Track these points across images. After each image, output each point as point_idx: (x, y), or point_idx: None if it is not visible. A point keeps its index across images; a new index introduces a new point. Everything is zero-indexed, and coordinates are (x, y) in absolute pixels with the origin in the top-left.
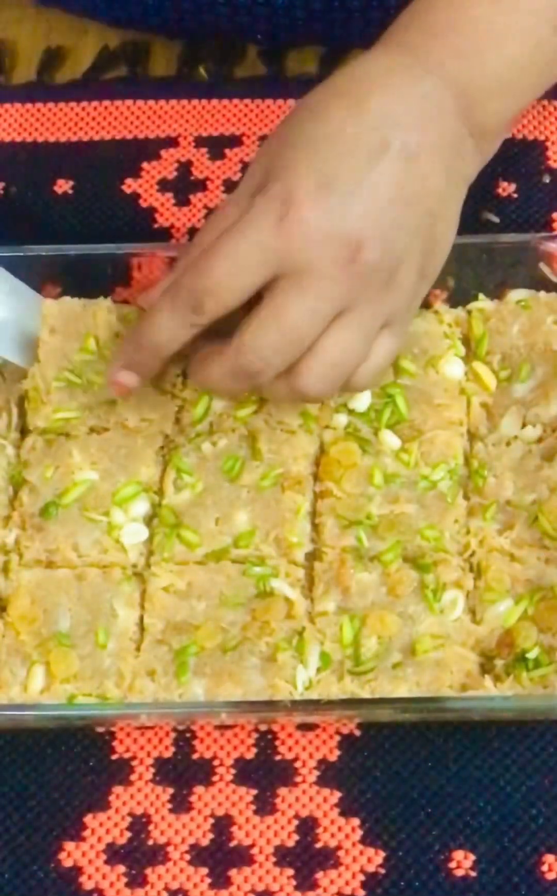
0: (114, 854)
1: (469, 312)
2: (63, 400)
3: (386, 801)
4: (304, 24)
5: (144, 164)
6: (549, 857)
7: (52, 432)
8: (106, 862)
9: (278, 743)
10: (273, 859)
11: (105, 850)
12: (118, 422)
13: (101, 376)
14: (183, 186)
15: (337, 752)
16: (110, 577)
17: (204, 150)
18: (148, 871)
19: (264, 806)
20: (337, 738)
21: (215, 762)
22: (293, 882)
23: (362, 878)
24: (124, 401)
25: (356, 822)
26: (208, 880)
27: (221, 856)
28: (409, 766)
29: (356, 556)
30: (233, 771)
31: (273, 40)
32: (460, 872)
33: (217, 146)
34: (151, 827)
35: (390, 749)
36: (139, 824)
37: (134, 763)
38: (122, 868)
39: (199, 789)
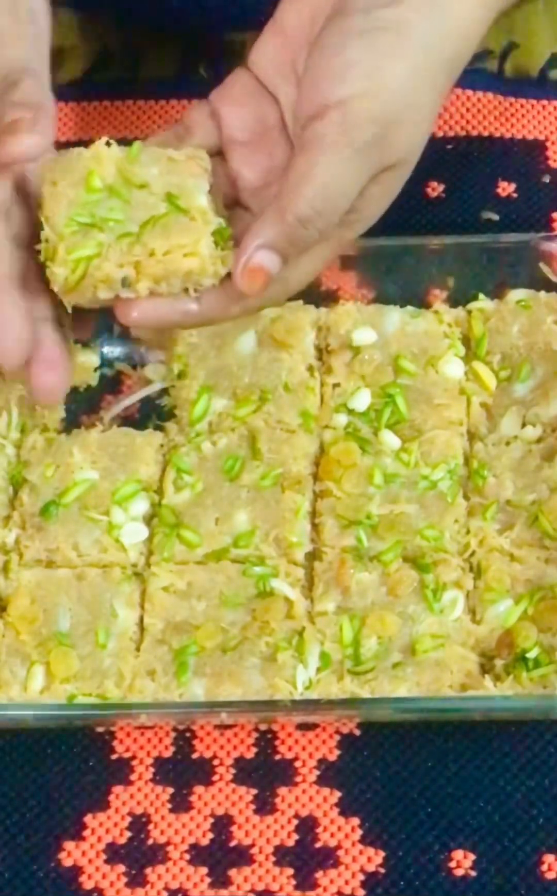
0: (114, 854)
1: (469, 312)
2: (77, 243)
3: (386, 800)
4: None
5: None
6: (549, 857)
7: (73, 283)
8: (106, 862)
9: (278, 742)
10: (273, 859)
11: (105, 849)
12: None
13: (114, 212)
14: None
15: (337, 752)
16: (110, 577)
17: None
18: (148, 870)
19: (264, 805)
20: (337, 737)
21: (215, 762)
22: (293, 882)
23: (361, 877)
24: None
25: (355, 821)
26: (208, 880)
27: (220, 855)
28: (409, 766)
29: (356, 556)
30: (233, 770)
31: None
32: (460, 872)
33: None
34: (150, 827)
35: (390, 749)
36: (139, 824)
37: (134, 763)
38: (122, 868)
39: (199, 789)
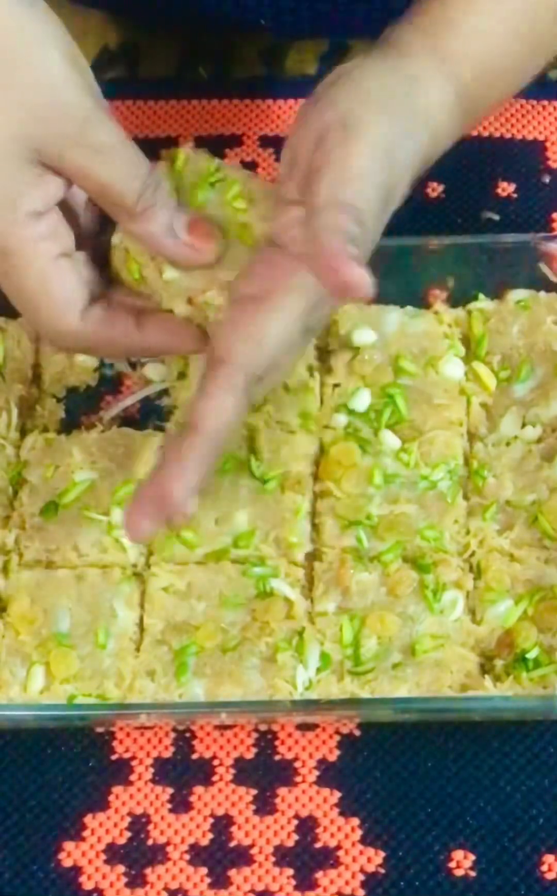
0: (114, 854)
1: (469, 312)
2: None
3: (386, 801)
4: (309, 7)
5: None
6: (549, 857)
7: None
8: (106, 862)
9: (277, 743)
10: (273, 859)
11: (105, 850)
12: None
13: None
14: None
15: (337, 752)
16: (110, 578)
17: (204, 150)
18: (148, 870)
19: (264, 806)
20: (337, 738)
21: (215, 762)
22: (293, 882)
23: (362, 877)
24: None
25: (355, 821)
26: (208, 880)
27: (220, 856)
28: (409, 766)
29: (355, 557)
30: (233, 771)
31: (278, 26)
32: (460, 872)
33: (217, 146)
34: (150, 827)
35: (390, 749)
36: (139, 824)
37: (134, 763)
38: (121, 868)
39: (198, 789)
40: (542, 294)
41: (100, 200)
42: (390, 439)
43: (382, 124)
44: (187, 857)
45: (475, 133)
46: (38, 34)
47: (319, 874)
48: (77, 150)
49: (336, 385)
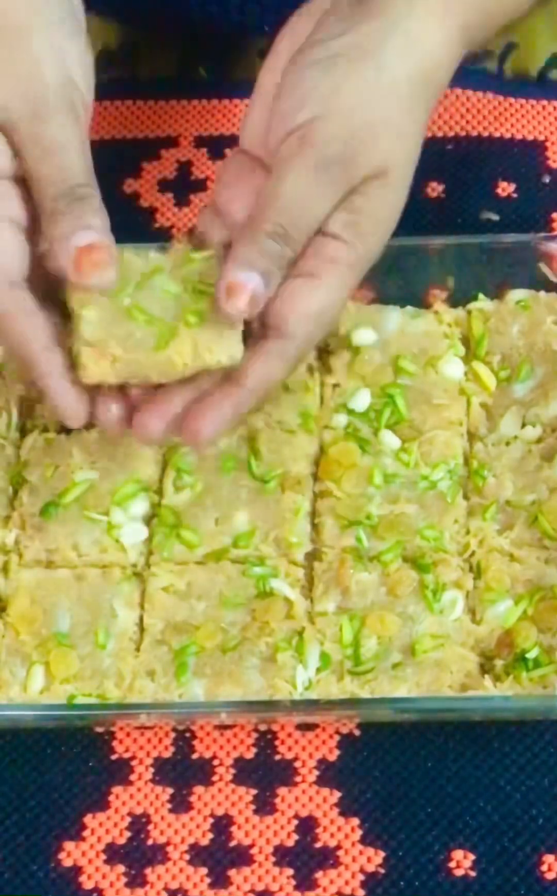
0: (114, 854)
1: (469, 312)
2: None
3: (386, 801)
4: None
5: (144, 164)
6: (549, 857)
7: None
8: (106, 862)
9: (277, 743)
10: (273, 859)
11: (105, 849)
12: None
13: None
14: (183, 186)
15: (337, 752)
16: (110, 577)
17: (204, 150)
18: (148, 870)
19: (264, 806)
20: (337, 737)
21: (215, 762)
22: (293, 882)
23: (361, 877)
24: None
25: (355, 821)
26: (208, 880)
27: (220, 856)
28: (409, 766)
29: (355, 556)
30: (233, 771)
31: (279, 27)
32: (459, 872)
33: (217, 146)
34: (150, 827)
35: (390, 749)
36: (139, 824)
37: (134, 763)
38: (121, 868)
39: (198, 789)
40: (542, 294)
41: (30, 189)
42: (390, 439)
43: (349, 116)
44: (187, 857)
45: (475, 133)
46: (47, 16)
47: (319, 874)
48: (24, 135)
49: (336, 385)
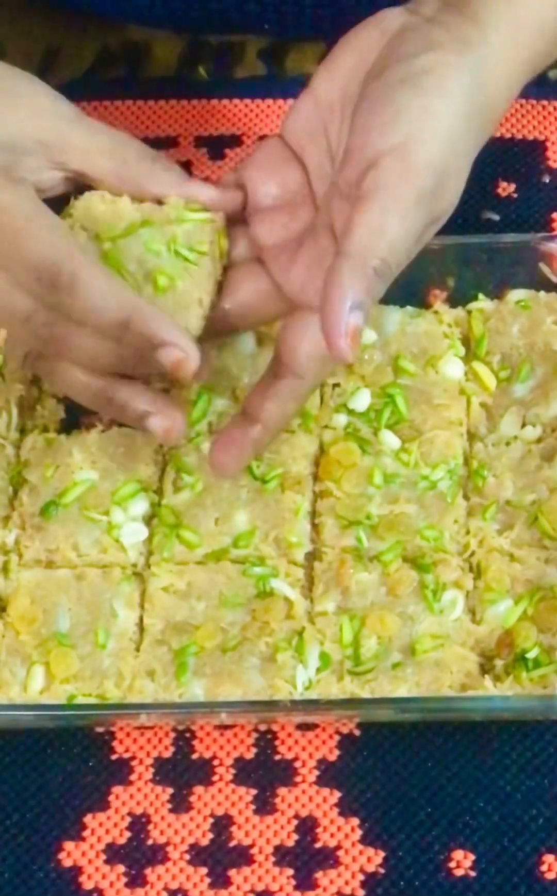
0: (114, 854)
1: (469, 312)
2: None
3: (386, 801)
4: (312, 11)
5: None
6: (549, 857)
7: None
8: (106, 862)
9: (277, 743)
10: (273, 859)
11: (105, 849)
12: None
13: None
14: None
15: (337, 752)
16: (110, 577)
17: (204, 150)
18: (148, 870)
19: (264, 806)
20: (337, 737)
21: (215, 762)
22: (293, 882)
23: (361, 877)
24: None
25: (355, 821)
26: (208, 880)
27: (220, 856)
28: (409, 766)
29: (355, 556)
30: (233, 771)
31: (281, 30)
32: (460, 872)
33: (217, 146)
34: (150, 827)
35: (390, 749)
36: (139, 824)
37: (134, 763)
38: (121, 868)
39: (198, 789)
40: (542, 294)
41: None
42: (390, 439)
43: (441, 142)
44: (187, 857)
45: None
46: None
47: (319, 874)
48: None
49: (336, 385)
